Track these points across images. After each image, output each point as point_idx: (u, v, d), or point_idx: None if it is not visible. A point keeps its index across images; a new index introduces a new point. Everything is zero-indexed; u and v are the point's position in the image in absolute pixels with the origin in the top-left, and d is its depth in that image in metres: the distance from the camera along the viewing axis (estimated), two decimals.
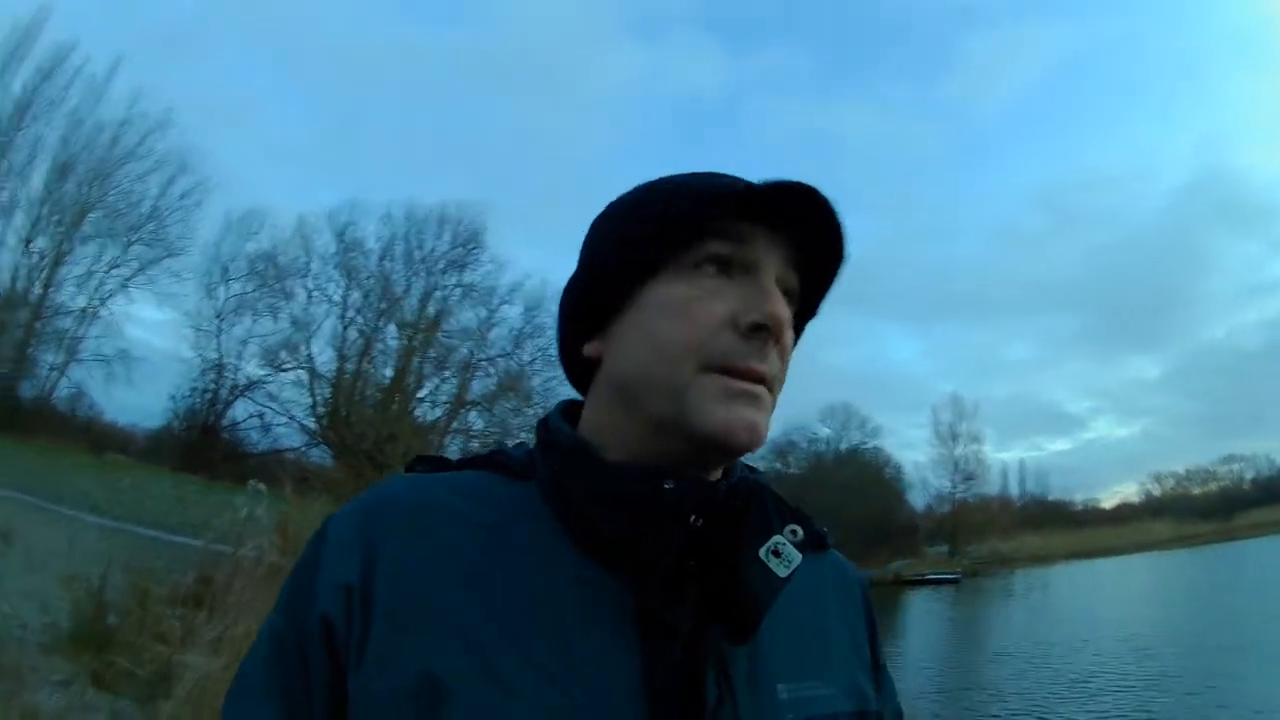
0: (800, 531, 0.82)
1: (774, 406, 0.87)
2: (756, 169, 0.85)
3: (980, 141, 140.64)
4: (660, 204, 0.87)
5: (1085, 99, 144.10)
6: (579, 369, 0.95)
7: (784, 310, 0.83)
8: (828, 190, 0.82)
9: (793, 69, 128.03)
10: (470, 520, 0.83)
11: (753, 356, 0.82)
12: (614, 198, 0.96)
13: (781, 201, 0.83)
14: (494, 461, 0.93)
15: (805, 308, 0.95)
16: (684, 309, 0.82)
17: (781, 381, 0.88)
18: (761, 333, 0.82)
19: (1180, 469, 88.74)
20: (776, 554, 0.80)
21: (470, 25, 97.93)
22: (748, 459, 0.97)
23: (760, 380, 0.83)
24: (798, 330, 0.96)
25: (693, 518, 0.79)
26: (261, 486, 9.64)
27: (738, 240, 0.84)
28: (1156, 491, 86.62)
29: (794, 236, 0.87)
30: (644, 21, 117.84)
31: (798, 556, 0.81)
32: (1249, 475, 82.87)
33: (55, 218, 31.13)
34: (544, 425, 0.94)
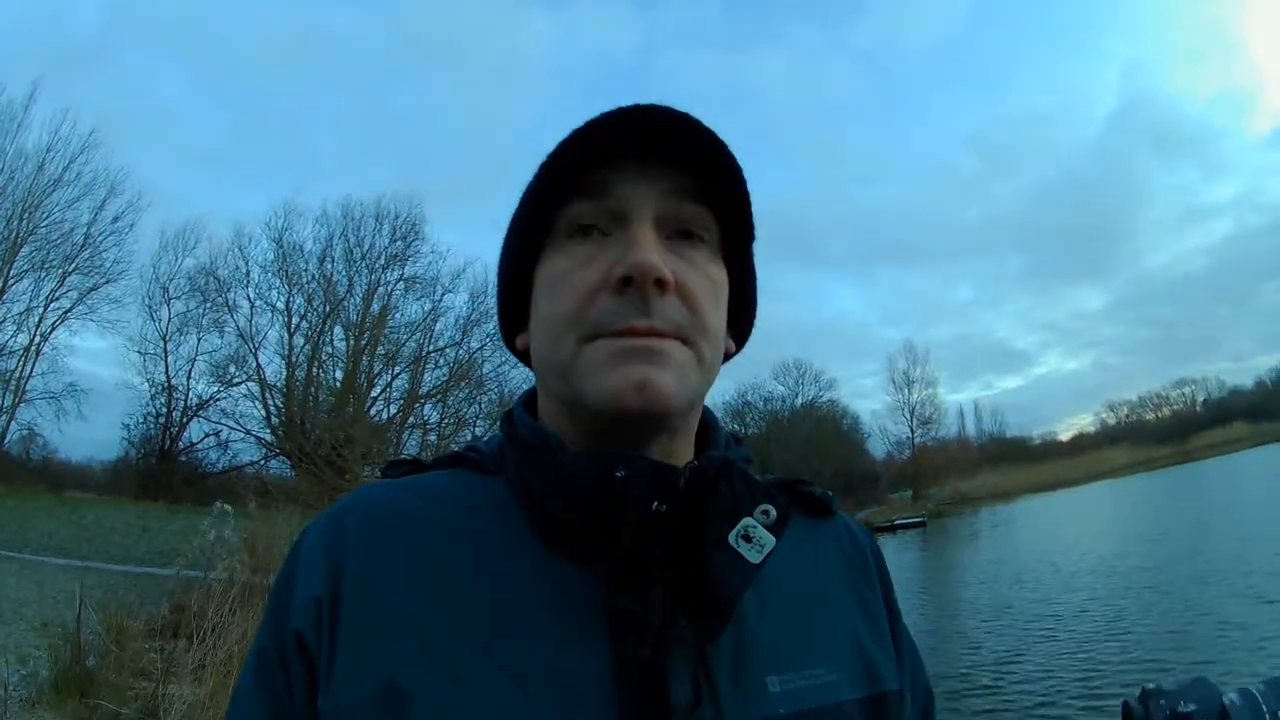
0: (773, 512, 0.76)
1: (705, 359, 0.81)
2: None
3: (905, 83, 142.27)
4: (532, 181, 0.82)
5: (1006, 33, 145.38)
6: (518, 359, 0.93)
7: (652, 255, 0.75)
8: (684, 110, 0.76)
9: (703, 20, 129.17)
10: (436, 522, 0.81)
11: (630, 314, 0.76)
12: None
13: (626, 133, 0.77)
14: (466, 459, 0.90)
15: (737, 232, 0.86)
16: (559, 282, 0.79)
17: (705, 328, 0.80)
18: (631, 286, 0.75)
19: (1133, 396, 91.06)
20: (747, 538, 0.74)
21: (374, 8, 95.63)
22: (736, 431, 0.95)
23: (655, 334, 0.76)
24: (742, 252, 0.90)
25: (655, 504, 0.73)
26: (227, 507, 9.57)
27: (599, 194, 0.79)
28: (1111, 420, 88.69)
29: (671, 162, 0.79)
30: None
31: (771, 540, 0.75)
32: (1201, 398, 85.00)
33: None
34: (508, 417, 0.89)
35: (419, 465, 0.93)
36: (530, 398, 0.92)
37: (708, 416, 0.92)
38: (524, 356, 0.91)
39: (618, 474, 0.73)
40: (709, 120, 0.77)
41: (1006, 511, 51.22)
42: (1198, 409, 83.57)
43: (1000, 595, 18.78)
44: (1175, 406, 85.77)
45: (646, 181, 0.79)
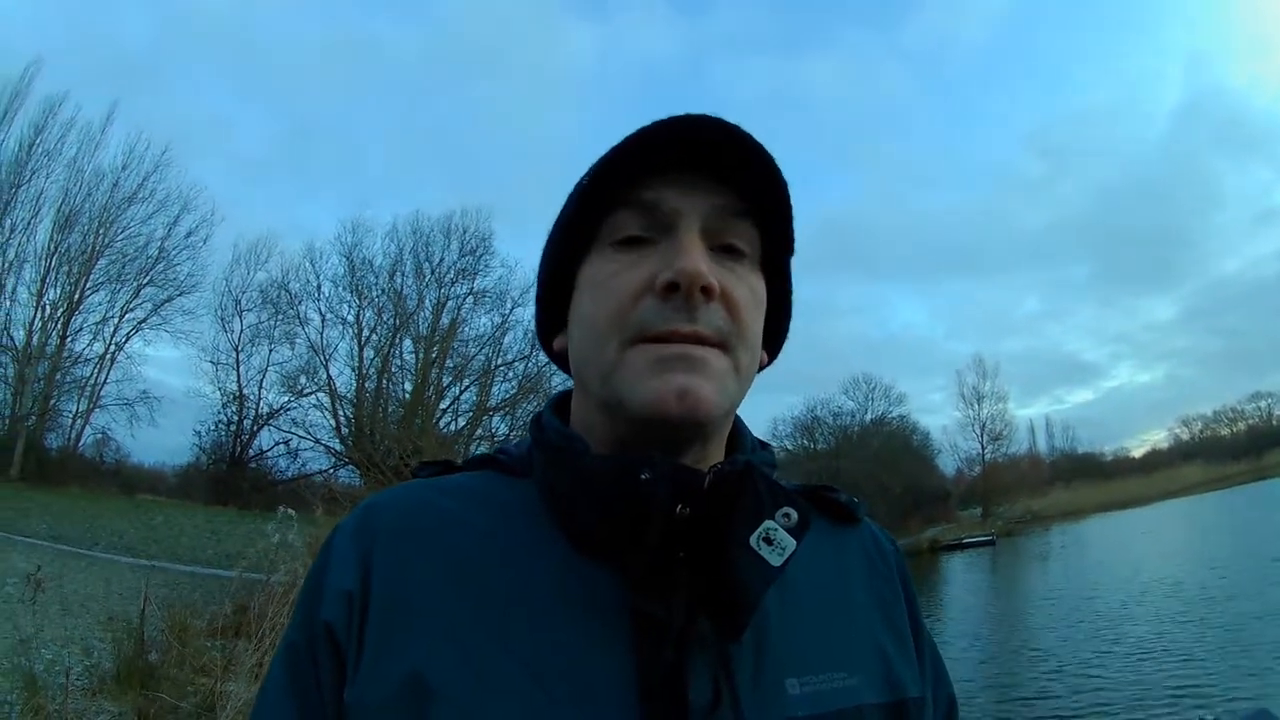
0: (794, 515, 0.77)
1: (743, 368, 0.83)
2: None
3: (960, 83, 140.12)
4: (578, 184, 0.84)
5: (1062, 29, 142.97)
6: (553, 360, 0.95)
7: (700, 264, 0.77)
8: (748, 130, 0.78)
9: (751, 25, 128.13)
10: (463, 521, 0.82)
11: (675, 318, 0.77)
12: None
13: (676, 144, 0.79)
14: (495, 461, 0.93)
15: (778, 246, 0.89)
16: (604, 284, 0.81)
17: (744, 337, 0.82)
18: (677, 292, 0.77)
19: (1208, 410, 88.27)
20: (769, 541, 0.76)
21: (421, 21, 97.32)
22: (762, 437, 0.96)
23: (697, 340, 0.78)
24: (780, 269, 0.92)
25: (679, 506, 0.75)
26: (291, 512, 9.69)
27: (649, 204, 0.81)
28: (1185, 436, 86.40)
29: (720, 176, 0.82)
30: None
31: (792, 543, 0.76)
32: (1277, 411, 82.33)
33: (64, 268, 31.34)
34: (537, 421, 0.91)
35: (450, 466, 0.96)
36: (561, 402, 0.95)
37: (736, 421, 0.94)
38: (560, 359, 0.94)
39: (643, 476, 0.75)
40: (760, 131, 0.79)
41: (1076, 531, 50.19)
42: (1274, 423, 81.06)
43: (1065, 619, 18.40)
44: (1250, 421, 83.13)
45: (695, 193, 0.81)
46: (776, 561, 0.75)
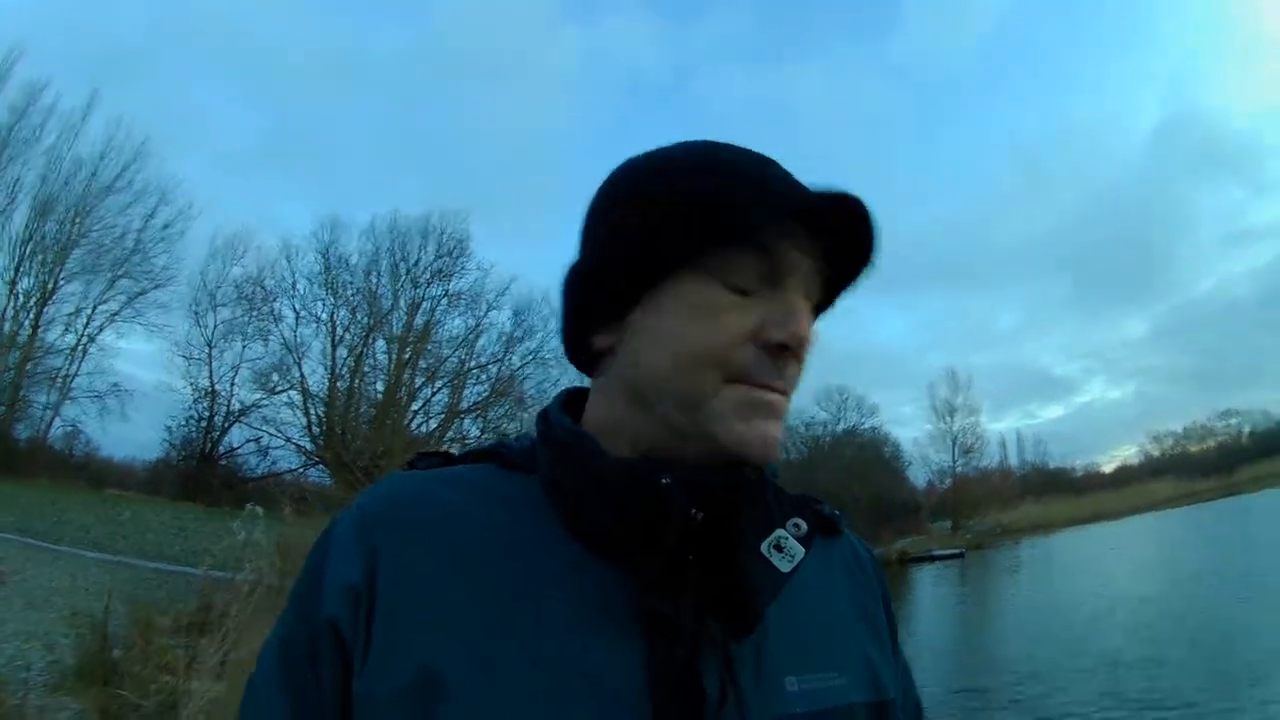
0: (804, 525, 0.81)
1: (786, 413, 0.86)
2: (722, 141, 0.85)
3: (943, 97, 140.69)
4: (691, 195, 0.81)
5: (1044, 46, 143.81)
6: (586, 356, 0.91)
7: (809, 330, 0.82)
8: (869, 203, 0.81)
9: (737, 34, 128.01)
10: (469, 515, 0.82)
11: (772, 372, 0.80)
12: (625, 166, 0.91)
13: (823, 215, 0.81)
14: (495, 455, 0.92)
15: (823, 303, 0.91)
16: (713, 317, 0.80)
17: (795, 388, 0.86)
18: (785, 352, 0.81)
19: (1178, 427, 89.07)
20: (779, 548, 0.79)
21: (407, 21, 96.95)
22: None
23: (779, 391, 0.82)
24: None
25: (693, 511, 0.77)
26: (258, 510, 9.64)
27: (775, 254, 0.81)
28: (1155, 452, 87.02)
29: (825, 244, 0.84)
30: (580, 1, 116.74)
31: (801, 551, 0.80)
32: (1247, 429, 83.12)
33: (39, 257, 30.95)
34: (544, 417, 0.91)
35: (449, 458, 0.94)
36: (567, 399, 0.94)
37: None
38: (592, 356, 0.90)
39: (663, 480, 0.77)
40: (742, 140, 0.86)
41: (1046, 544, 50.35)
42: (1243, 441, 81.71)
43: (1031, 632, 18.45)
44: (1220, 438, 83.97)
45: (806, 254, 0.83)
46: (786, 568, 0.79)
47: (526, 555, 0.80)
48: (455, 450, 0.98)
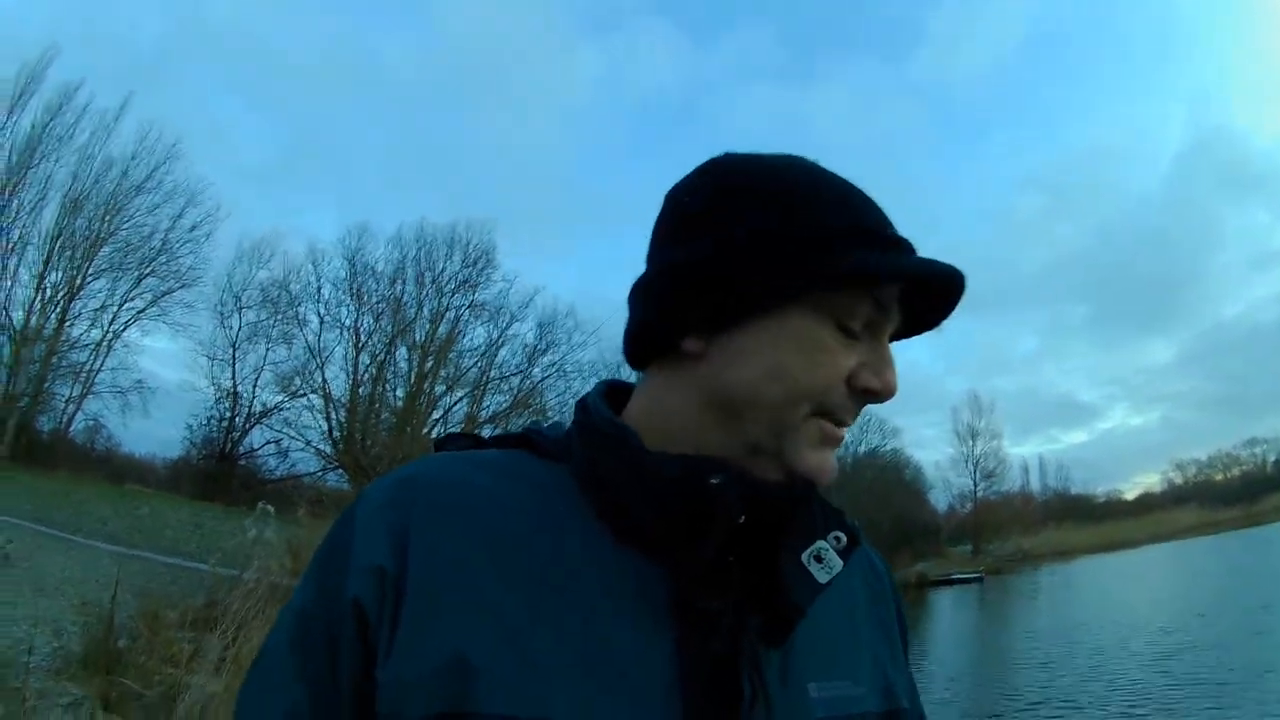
0: (844, 539, 0.82)
1: None
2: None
3: (964, 119, 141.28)
4: (835, 234, 0.81)
5: (1067, 68, 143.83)
6: (657, 353, 0.88)
7: (896, 385, 0.84)
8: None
9: (756, 54, 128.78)
10: (504, 500, 0.81)
11: (851, 413, 0.83)
12: (745, 168, 0.88)
13: (924, 275, 0.82)
14: (528, 441, 0.91)
15: None
16: (822, 356, 0.80)
17: None
18: (872, 398, 0.83)
19: (1202, 455, 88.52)
20: (818, 559, 0.81)
21: (428, 36, 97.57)
22: None
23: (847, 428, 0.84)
24: None
25: (740, 515, 0.77)
26: (270, 509, 9.67)
27: (885, 307, 0.83)
28: (1179, 479, 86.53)
29: (915, 303, 0.86)
30: (599, 17, 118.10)
31: (839, 563, 0.81)
32: (1272, 457, 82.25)
33: (68, 253, 31.42)
34: (583, 406, 0.90)
35: (479, 441, 0.94)
36: (608, 391, 0.94)
37: None
38: (666, 354, 0.87)
39: (712, 480, 0.77)
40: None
41: (1066, 571, 50.03)
42: (1268, 469, 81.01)
43: (1047, 659, 18.31)
44: (1245, 466, 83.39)
45: (896, 308, 0.84)
46: (824, 579, 0.80)
47: (559, 542, 0.80)
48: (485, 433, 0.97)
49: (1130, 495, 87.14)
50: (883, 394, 0.82)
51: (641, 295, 0.89)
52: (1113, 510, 79.88)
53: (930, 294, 0.84)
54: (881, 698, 0.88)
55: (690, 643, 0.75)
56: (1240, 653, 15.65)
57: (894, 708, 0.89)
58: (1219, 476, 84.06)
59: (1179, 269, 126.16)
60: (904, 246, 0.84)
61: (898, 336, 0.88)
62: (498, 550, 0.77)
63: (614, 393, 0.94)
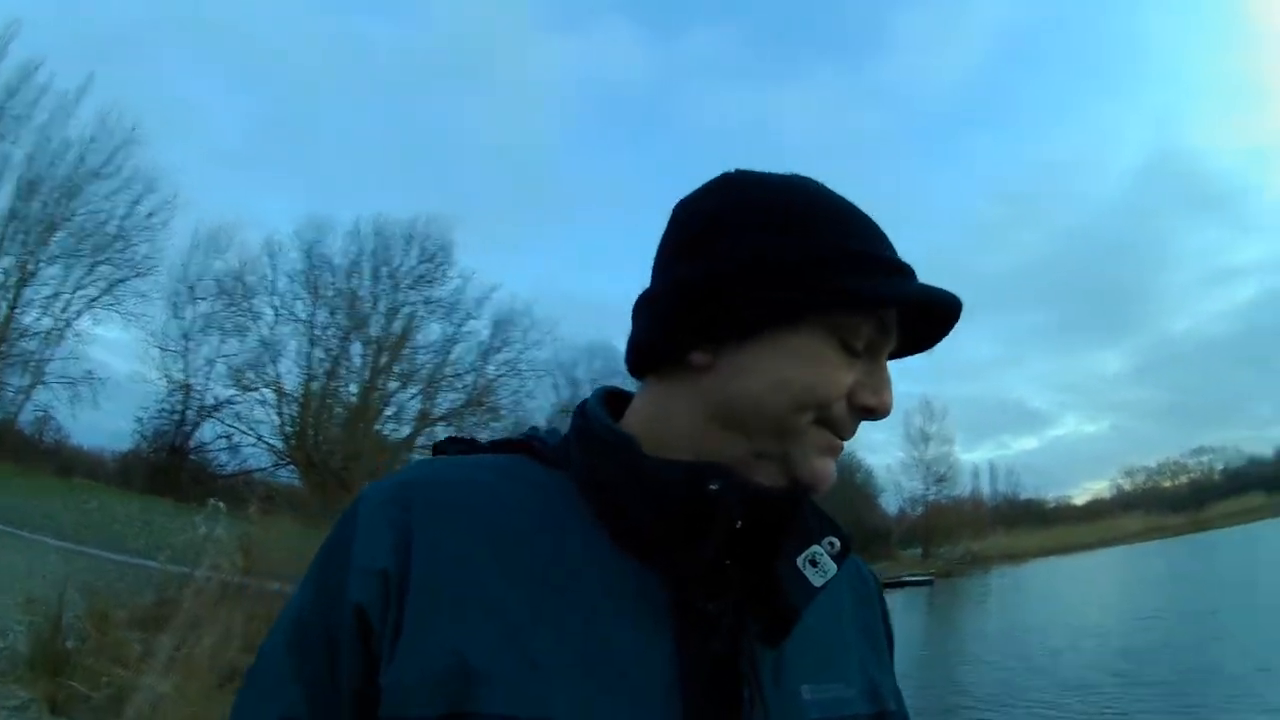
0: (838, 544, 0.84)
1: None
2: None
3: (927, 127, 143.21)
4: (849, 257, 0.83)
5: (1031, 79, 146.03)
6: (660, 363, 0.89)
7: (892, 405, 0.87)
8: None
9: (723, 51, 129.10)
10: (505, 500, 0.82)
11: (850, 428, 0.85)
12: (760, 187, 0.90)
13: (924, 300, 0.85)
14: (527, 446, 0.92)
15: None
16: (826, 370, 0.82)
17: None
18: (869, 415, 0.85)
19: (1151, 463, 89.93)
20: (813, 563, 0.82)
21: (397, 23, 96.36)
22: None
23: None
24: None
25: (738, 520, 0.79)
26: (220, 505, 9.53)
27: (887, 329, 0.86)
28: (1128, 486, 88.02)
29: (912, 325, 0.89)
30: (567, 13, 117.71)
31: (834, 568, 0.83)
32: (1219, 466, 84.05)
33: (21, 237, 30.65)
34: (581, 412, 0.91)
35: (475, 445, 0.95)
36: (605, 397, 0.95)
37: None
38: (670, 365, 0.88)
39: (711, 486, 0.79)
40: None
41: (1015, 574, 50.73)
42: (1215, 478, 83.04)
43: (994, 660, 18.51)
44: (1193, 474, 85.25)
45: (895, 330, 0.87)
46: (819, 582, 0.82)
47: (560, 543, 0.81)
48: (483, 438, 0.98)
49: (1080, 501, 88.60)
50: (879, 412, 0.85)
51: (649, 308, 0.90)
52: (1062, 515, 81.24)
53: (930, 319, 0.88)
54: (869, 700, 0.91)
55: (690, 643, 0.77)
56: (1190, 656, 15.90)
57: (881, 709, 0.92)
58: (1167, 484, 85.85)
59: (1134, 282, 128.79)
60: (906, 272, 0.86)
61: (892, 356, 0.91)
62: (500, 548, 0.78)
63: (611, 400, 0.95)
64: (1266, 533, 49.73)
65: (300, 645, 0.78)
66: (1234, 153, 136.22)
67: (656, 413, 0.88)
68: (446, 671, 0.71)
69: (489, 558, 0.77)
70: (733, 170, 0.93)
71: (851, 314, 0.82)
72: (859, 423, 0.86)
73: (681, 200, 0.94)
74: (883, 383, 0.86)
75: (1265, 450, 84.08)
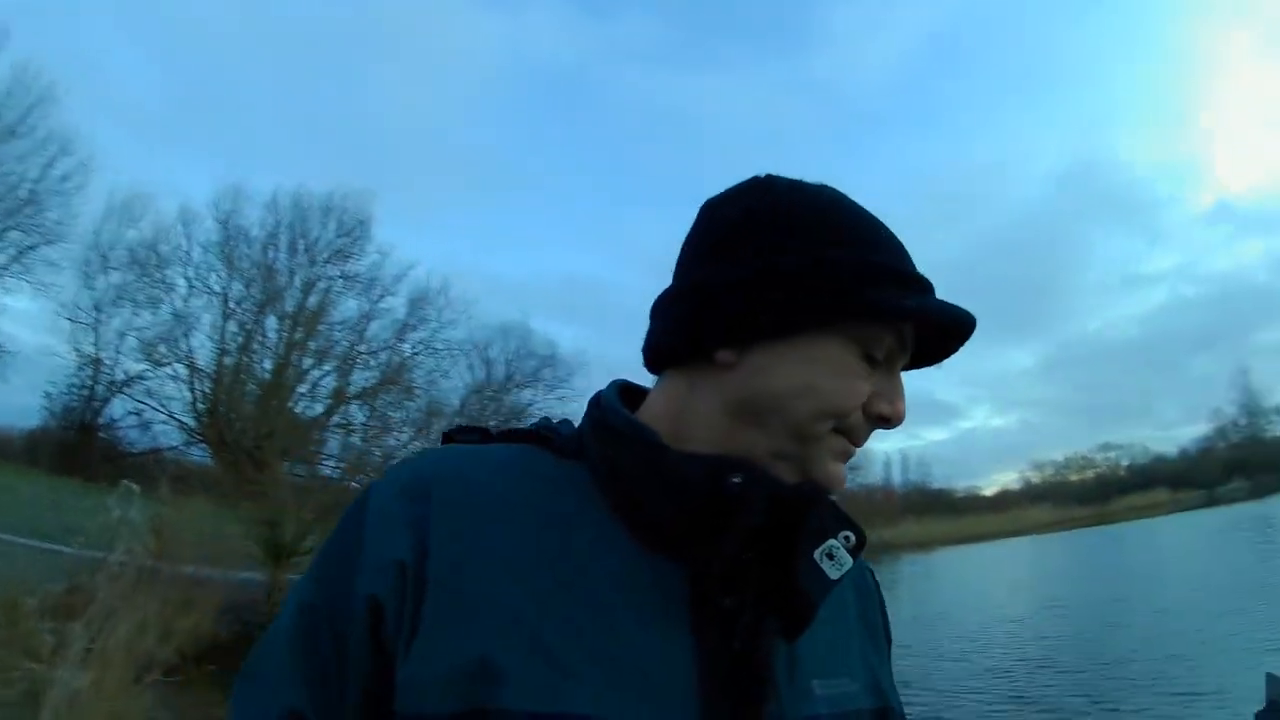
0: (854, 538, 0.84)
1: None
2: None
3: (854, 123, 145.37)
4: (880, 270, 0.86)
5: (957, 81, 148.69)
6: (678, 358, 0.91)
7: (904, 415, 0.89)
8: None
9: (652, 37, 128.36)
10: (523, 497, 0.82)
11: (865, 435, 0.87)
12: (795, 195, 0.91)
13: (940, 316, 0.88)
14: (540, 437, 0.91)
15: None
16: (849, 380, 0.84)
17: None
18: (883, 424, 0.88)
19: (1059, 456, 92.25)
20: (830, 556, 0.82)
21: None
22: None
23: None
24: None
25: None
26: (134, 486, 9.26)
27: (905, 342, 0.88)
28: (1036, 479, 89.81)
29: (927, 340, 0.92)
30: None
31: (849, 561, 0.83)
32: (1125, 462, 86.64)
33: None
34: (597, 404, 0.92)
35: (486, 435, 0.95)
36: (623, 390, 0.96)
37: None
38: (693, 361, 0.89)
39: (733, 480, 0.80)
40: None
41: (926, 562, 51.63)
42: (1121, 473, 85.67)
43: (909, 650, 18.77)
44: (1099, 469, 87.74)
45: (910, 350, 0.90)
46: (835, 575, 0.82)
47: (581, 543, 0.81)
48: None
49: (989, 492, 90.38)
50: (894, 421, 0.88)
51: (675, 306, 0.91)
52: (971, 505, 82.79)
53: (946, 334, 0.91)
54: (872, 694, 0.93)
55: (709, 639, 0.78)
56: (1097, 642, 16.18)
57: (884, 705, 0.94)
58: (1074, 477, 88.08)
59: (1048, 283, 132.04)
60: (928, 287, 0.89)
61: (904, 368, 0.93)
62: (516, 544, 0.78)
63: (625, 393, 0.96)
64: (1169, 526, 51.19)
65: (305, 641, 0.78)
66: (1153, 165, 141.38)
67: (675, 406, 0.89)
68: (466, 667, 0.71)
69: (506, 551, 0.78)
70: (762, 175, 0.94)
71: (875, 325, 0.85)
72: (873, 430, 0.89)
73: (710, 201, 0.96)
74: (897, 393, 0.88)
75: (1170, 449, 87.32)
